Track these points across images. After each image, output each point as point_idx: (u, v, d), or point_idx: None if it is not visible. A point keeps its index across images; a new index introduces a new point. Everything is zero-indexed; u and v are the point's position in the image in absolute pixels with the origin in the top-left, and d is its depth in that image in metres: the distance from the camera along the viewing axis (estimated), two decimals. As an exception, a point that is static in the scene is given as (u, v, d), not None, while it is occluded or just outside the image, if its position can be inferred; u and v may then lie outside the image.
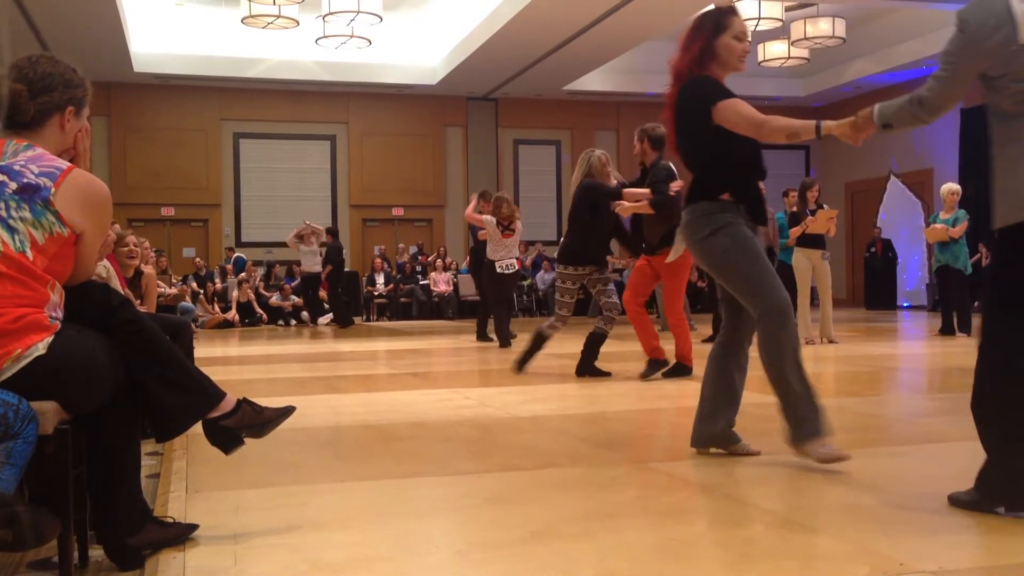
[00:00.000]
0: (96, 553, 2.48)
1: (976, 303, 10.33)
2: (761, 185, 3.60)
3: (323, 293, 16.27)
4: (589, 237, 6.75)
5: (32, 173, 2.31)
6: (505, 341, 9.99)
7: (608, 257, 7.31)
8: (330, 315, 16.17)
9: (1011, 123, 2.62)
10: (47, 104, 2.42)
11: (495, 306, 10.40)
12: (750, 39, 3.60)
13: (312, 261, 15.48)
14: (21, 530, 1.99)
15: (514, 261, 10.11)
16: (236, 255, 17.78)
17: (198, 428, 2.55)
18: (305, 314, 16.41)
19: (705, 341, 9.98)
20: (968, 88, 2.72)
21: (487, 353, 9.47)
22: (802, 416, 3.32)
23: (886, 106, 2.86)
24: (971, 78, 2.68)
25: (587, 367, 6.73)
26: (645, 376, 6.39)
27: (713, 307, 10.53)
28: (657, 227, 6.39)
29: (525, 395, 5.78)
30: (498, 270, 10.06)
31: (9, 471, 2.08)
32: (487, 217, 10.11)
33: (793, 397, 3.34)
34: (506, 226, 10.00)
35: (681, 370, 6.48)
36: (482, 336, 10.93)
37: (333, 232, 16.12)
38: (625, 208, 6.38)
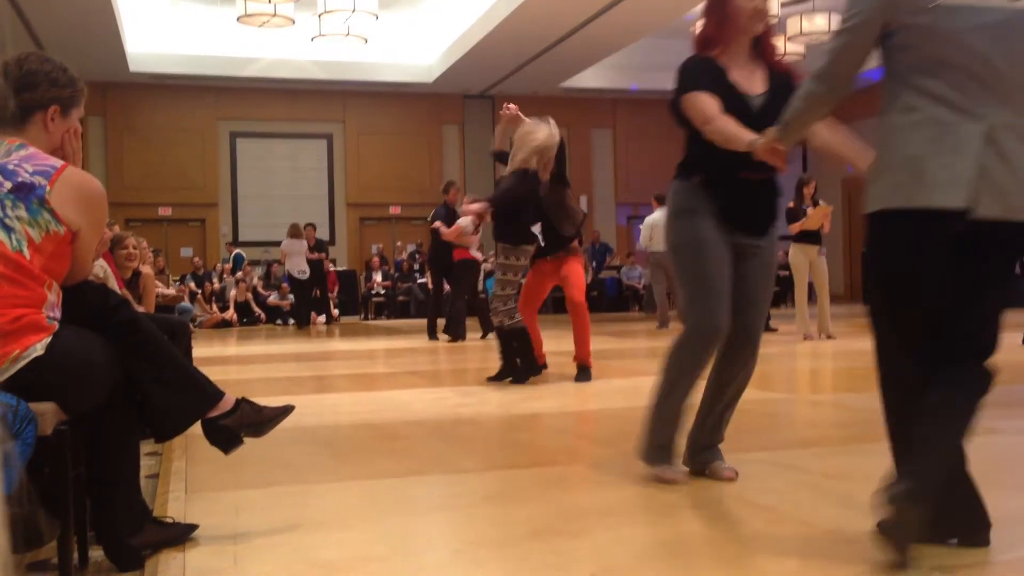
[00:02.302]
0: (96, 554, 2.48)
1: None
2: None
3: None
4: None
5: (26, 172, 2.31)
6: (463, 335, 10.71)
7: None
8: (324, 314, 16.08)
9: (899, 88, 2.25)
10: (29, 102, 2.39)
11: (472, 300, 11.11)
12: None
13: (300, 261, 14.91)
14: (21, 531, 1.99)
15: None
16: (236, 252, 17.77)
17: (197, 428, 2.56)
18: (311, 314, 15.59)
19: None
20: (870, 49, 2.29)
21: (485, 352, 9.46)
22: (660, 444, 3.13)
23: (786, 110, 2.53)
24: (875, 33, 2.25)
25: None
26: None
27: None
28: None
29: (523, 393, 5.78)
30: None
31: (8, 473, 2.08)
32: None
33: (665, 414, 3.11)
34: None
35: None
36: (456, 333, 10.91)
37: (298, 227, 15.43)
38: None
